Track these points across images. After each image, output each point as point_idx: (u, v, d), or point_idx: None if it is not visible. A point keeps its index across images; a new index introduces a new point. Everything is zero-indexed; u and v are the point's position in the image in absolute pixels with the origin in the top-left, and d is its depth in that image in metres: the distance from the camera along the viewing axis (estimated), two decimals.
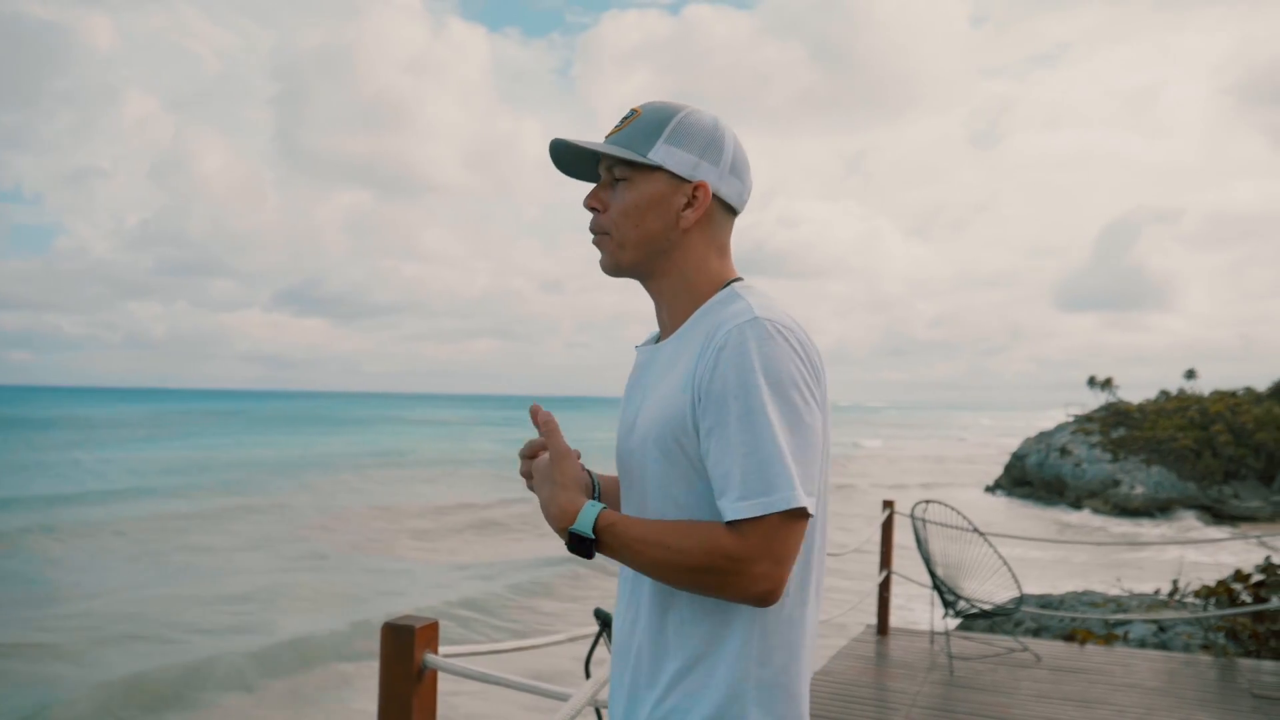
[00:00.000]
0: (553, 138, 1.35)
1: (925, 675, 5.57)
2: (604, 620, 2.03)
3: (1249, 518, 31.74)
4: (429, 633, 1.90)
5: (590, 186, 1.40)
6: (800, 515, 1.16)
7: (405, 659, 1.84)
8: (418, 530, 23.46)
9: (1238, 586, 6.64)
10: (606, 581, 17.27)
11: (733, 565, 1.14)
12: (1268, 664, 6.02)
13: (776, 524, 1.14)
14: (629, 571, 1.35)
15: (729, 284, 1.34)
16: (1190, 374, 51.67)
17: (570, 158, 1.39)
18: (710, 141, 1.32)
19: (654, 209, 1.31)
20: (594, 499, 1.34)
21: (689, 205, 1.31)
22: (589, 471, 1.44)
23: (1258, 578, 6.64)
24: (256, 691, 10.14)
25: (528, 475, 1.35)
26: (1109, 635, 7.03)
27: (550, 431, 1.28)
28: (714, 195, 1.32)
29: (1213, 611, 6.55)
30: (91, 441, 54.37)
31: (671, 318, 1.37)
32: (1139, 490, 33.54)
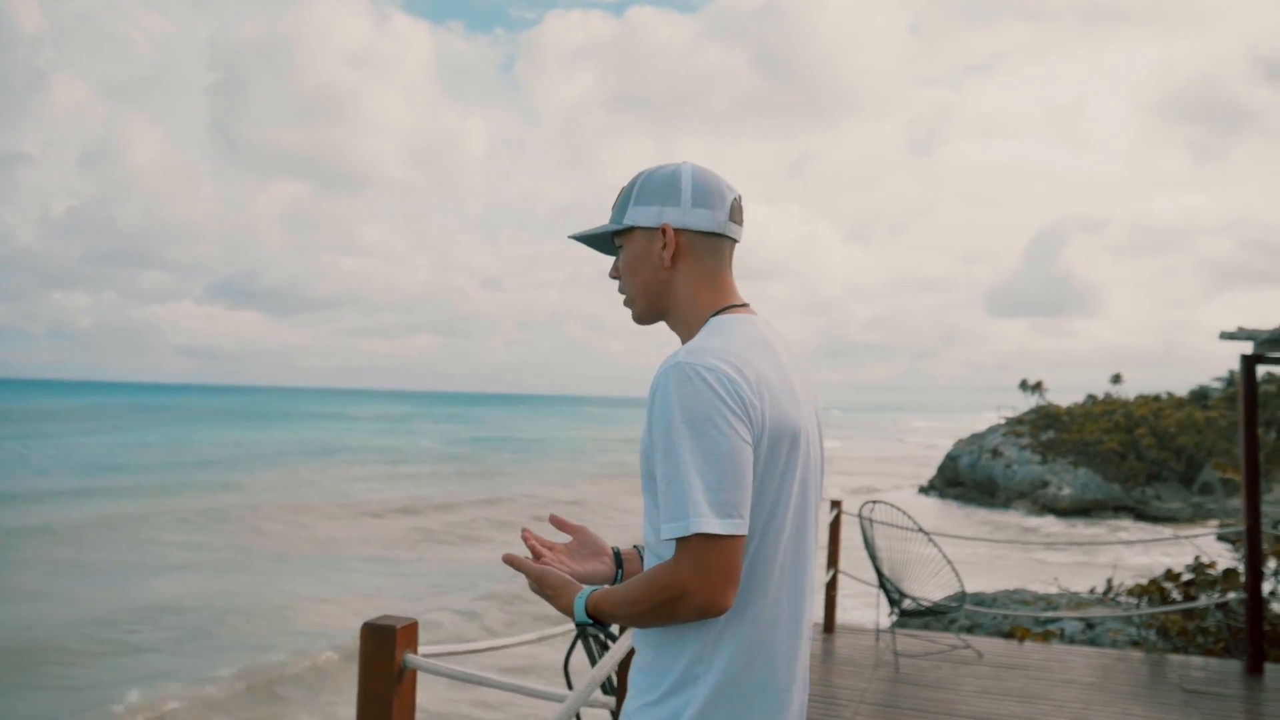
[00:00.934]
0: (568, 234, 1.60)
1: (872, 672, 5.67)
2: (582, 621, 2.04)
3: (1170, 518, 32.91)
4: (409, 633, 1.88)
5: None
6: (714, 538, 1.26)
7: (385, 659, 1.82)
8: (358, 528, 23.11)
9: (1168, 585, 6.89)
10: None
11: (669, 593, 1.29)
12: (1195, 659, 6.27)
13: (695, 546, 1.26)
14: None
15: (718, 314, 1.48)
16: (1116, 379, 53.40)
17: (599, 243, 1.61)
18: (667, 188, 1.49)
19: (641, 261, 1.51)
20: (618, 569, 1.60)
21: (664, 247, 1.48)
22: (615, 549, 1.64)
23: (1187, 577, 6.90)
24: (201, 704, 9.90)
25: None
26: (1046, 633, 7.24)
27: (517, 565, 1.51)
28: (683, 229, 1.48)
29: (1144, 610, 6.79)
30: (7, 436, 52.39)
31: (681, 343, 1.53)
32: (1066, 491, 34.54)
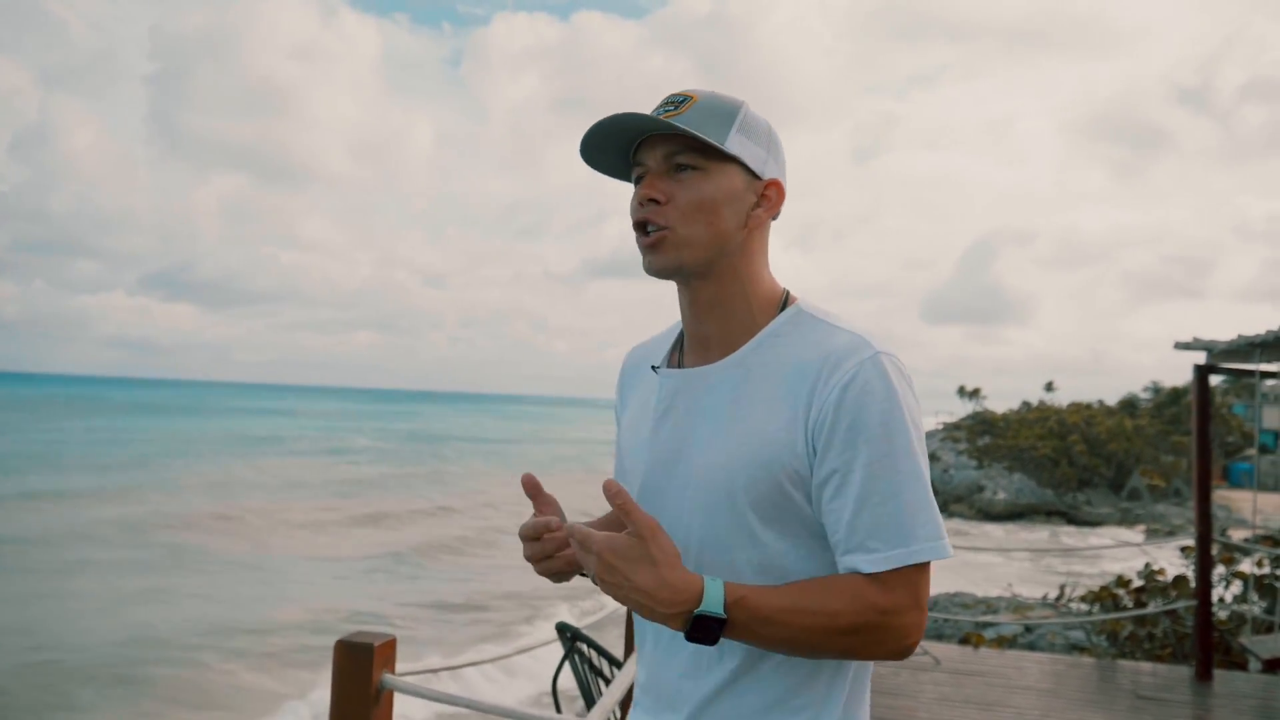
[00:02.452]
0: (616, 114, 1.17)
1: None
2: (573, 635, 1.90)
3: (1099, 523, 33.79)
4: (386, 651, 1.72)
5: (620, 185, 1.26)
6: (927, 567, 1.13)
7: (361, 679, 1.66)
8: (288, 525, 22.53)
9: (1120, 592, 6.98)
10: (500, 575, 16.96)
11: (883, 620, 1.09)
12: (1145, 665, 6.34)
13: (918, 573, 1.11)
14: None
15: (787, 300, 1.24)
16: (1049, 386, 54.73)
17: (605, 141, 1.21)
18: (773, 139, 1.23)
19: (729, 205, 1.18)
20: None
21: (758, 204, 1.21)
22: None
23: (1138, 584, 7.00)
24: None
25: (544, 557, 1.22)
26: (1000, 638, 7.29)
27: (627, 505, 1.06)
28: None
29: (1096, 616, 6.86)
30: None
31: (722, 328, 1.23)
32: (1001, 496, 35.27)
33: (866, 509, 1.09)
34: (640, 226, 1.20)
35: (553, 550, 1.22)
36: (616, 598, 1.06)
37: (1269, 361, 5.21)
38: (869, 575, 1.09)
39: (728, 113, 1.19)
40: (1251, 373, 5.62)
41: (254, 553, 18.60)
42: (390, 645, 1.74)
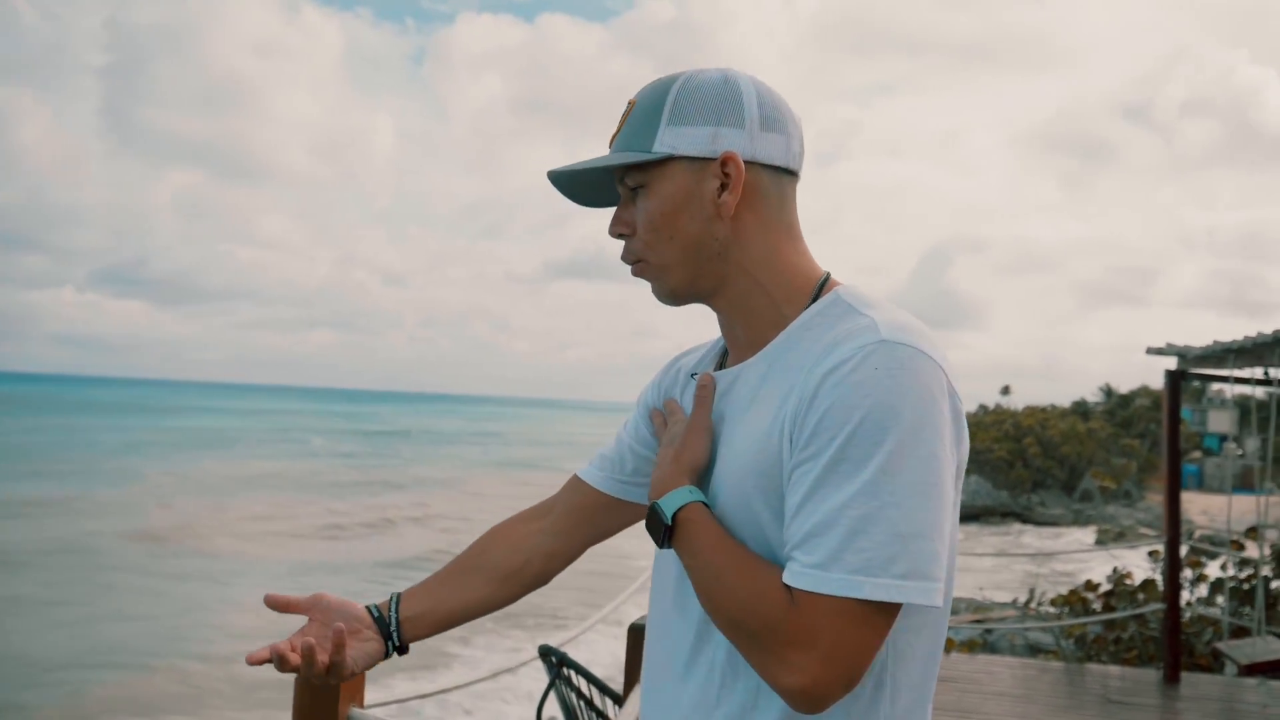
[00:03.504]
0: (548, 170, 1.09)
1: None
2: (559, 660, 1.76)
3: (1054, 523, 34.36)
4: (354, 683, 1.57)
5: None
6: (885, 610, 0.89)
7: (325, 715, 1.50)
8: (238, 533, 22.05)
9: (1089, 595, 6.99)
10: None
11: (768, 637, 0.90)
12: (1113, 669, 6.34)
13: (842, 609, 0.87)
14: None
15: (824, 284, 1.06)
16: (1005, 390, 55.56)
17: (582, 188, 1.13)
18: (723, 101, 1.03)
19: (684, 208, 1.03)
20: (392, 628, 1.19)
21: (723, 187, 1.02)
22: (372, 609, 1.21)
23: (1106, 587, 7.01)
24: None
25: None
26: (971, 643, 7.27)
27: (702, 400, 1.07)
28: (749, 163, 1.03)
29: (1053, 621, 6.86)
30: None
31: (749, 331, 1.08)
32: (960, 497, 35.83)
33: (805, 510, 0.90)
34: (625, 261, 1.11)
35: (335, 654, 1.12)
36: None
37: (1242, 367, 5.21)
38: (787, 586, 0.91)
39: (655, 106, 1.05)
40: (1222, 378, 5.63)
41: (203, 566, 18.15)
42: (358, 677, 1.58)
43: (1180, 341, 5.82)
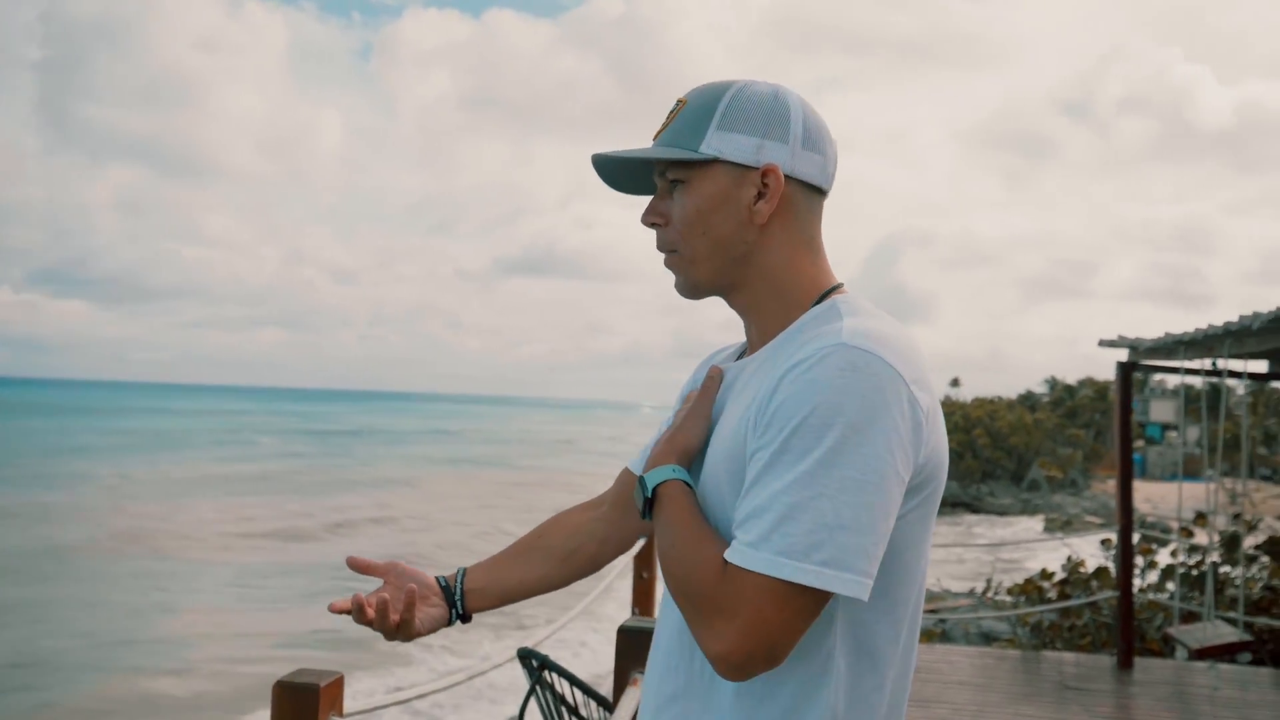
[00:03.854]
0: (592, 154, 1.15)
1: None
2: (540, 664, 1.72)
3: (1003, 513, 35.04)
4: (334, 691, 1.52)
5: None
6: (807, 594, 0.93)
7: None
8: (189, 532, 21.59)
9: (1045, 584, 7.12)
10: None
11: (701, 603, 0.97)
12: (1068, 655, 6.47)
13: (765, 586, 0.93)
14: None
15: (827, 294, 1.13)
16: (955, 382, 56.49)
17: (619, 173, 1.19)
18: (772, 115, 1.10)
19: (720, 209, 1.11)
20: (457, 597, 1.28)
21: (760, 196, 1.10)
22: (441, 580, 1.30)
23: (1061, 576, 7.15)
24: None
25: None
26: (929, 632, 7.37)
27: (707, 389, 1.16)
28: (788, 177, 1.11)
29: (1021, 609, 6.98)
30: None
31: (762, 331, 1.16)
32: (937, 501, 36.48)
33: (750, 494, 0.97)
34: (659, 250, 1.18)
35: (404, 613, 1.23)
36: None
37: (1193, 358, 5.34)
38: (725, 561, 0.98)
39: (706, 109, 1.11)
40: (1173, 369, 5.76)
41: (153, 571, 17.73)
42: (337, 685, 1.54)
43: (1131, 334, 5.94)
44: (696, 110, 1.12)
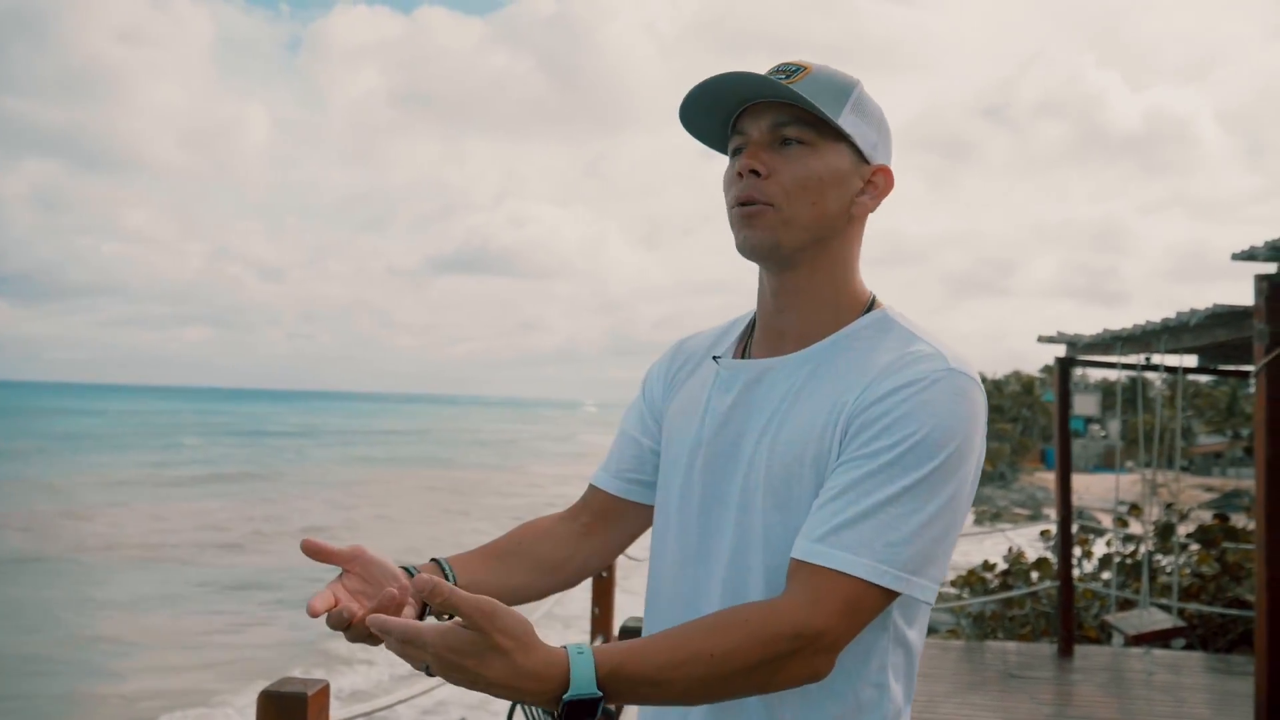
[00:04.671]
0: (731, 72, 1.08)
1: None
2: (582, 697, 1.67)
3: None
4: (320, 700, 1.47)
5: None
6: (888, 596, 0.99)
7: None
8: (109, 537, 20.89)
9: (987, 575, 7.29)
10: None
11: (794, 642, 0.94)
12: (1010, 644, 6.64)
13: (863, 590, 0.97)
14: (714, 576, 1.10)
15: (873, 304, 1.15)
16: None
17: (709, 103, 1.11)
18: (885, 124, 1.15)
19: (836, 186, 1.09)
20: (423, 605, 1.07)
21: (863, 190, 1.12)
22: (437, 561, 1.14)
23: (1003, 567, 7.32)
24: None
25: (404, 653, 0.89)
26: None
27: (451, 597, 0.85)
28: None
29: (965, 600, 7.13)
30: None
31: (801, 321, 1.13)
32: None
33: (846, 498, 0.98)
34: (740, 201, 1.10)
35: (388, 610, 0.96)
36: (474, 689, 0.89)
37: (1129, 354, 5.52)
38: (786, 595, 0.97)
39: (842, 89, 1.10)
40: (1110, 364, 5.94)
41: (69, 577, 17.10)
42: (324, 693, 1.49)
43: (1052, 330, 6.13)
44: (831, 83, 1.09)
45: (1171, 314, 5.01)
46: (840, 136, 1.09)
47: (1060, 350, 6.28)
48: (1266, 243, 3.60)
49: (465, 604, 0.85)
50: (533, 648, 0.87)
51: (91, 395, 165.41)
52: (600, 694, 0.87)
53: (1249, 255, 3.66)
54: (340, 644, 12.13)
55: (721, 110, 1.12)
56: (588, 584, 4.31)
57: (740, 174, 1.10)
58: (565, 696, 0.86)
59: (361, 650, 11.86)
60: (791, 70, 1.10)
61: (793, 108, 1.07)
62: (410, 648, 0.87)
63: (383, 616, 0.88)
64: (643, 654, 0.91)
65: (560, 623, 10.97)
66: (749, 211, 1.09)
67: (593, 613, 4.04)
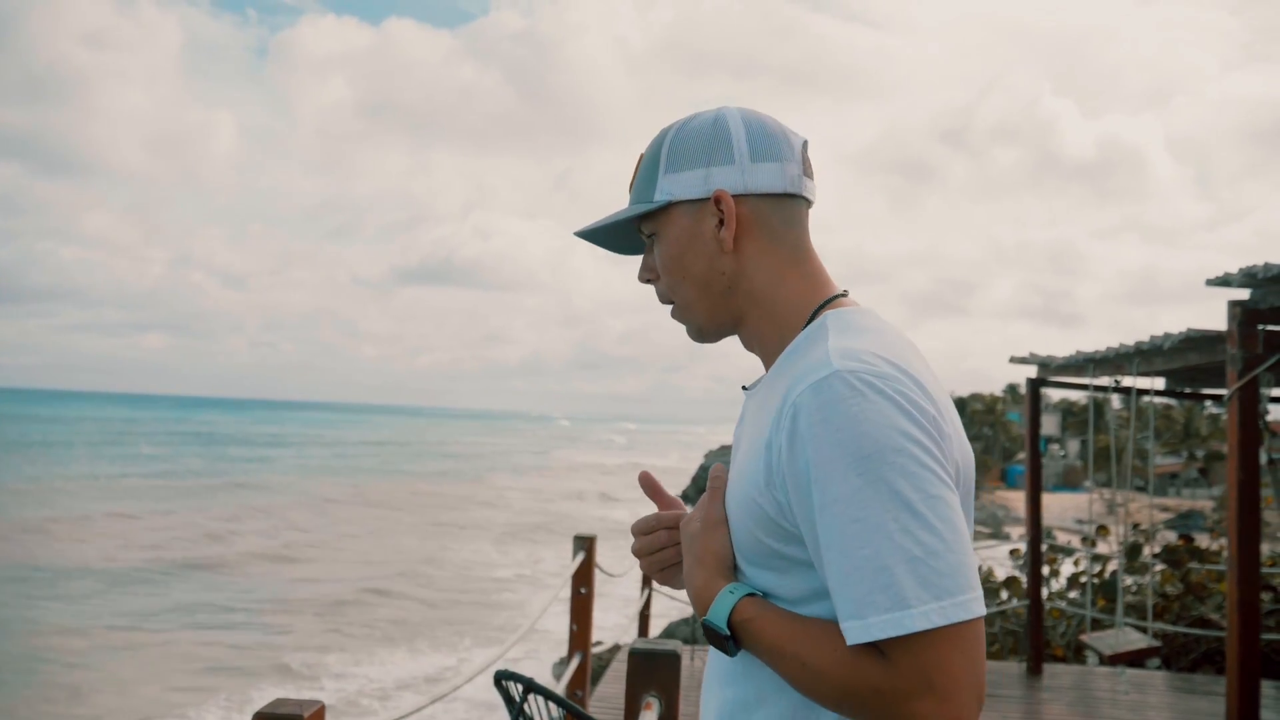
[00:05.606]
0: (575, 230, 1.18)
1: (686, 685, 5.54)
2: (526, 687, 1.64)
3: None
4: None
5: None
6: (963, 628, 0.87)
7: None
8: (61, 546, 20.40)
9: None
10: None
11: (881, 703, 0.89)
12: (993, 664, 6.66)
13: (948, 641, 0.87)
14: None
15: (824, 306, 1.08)
16: None
17: (613, 239, 1.20)
18: (712, 142, 1.09)
19: (689, 249, 1.10)
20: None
21: (721, 223, 1.08)
22: None
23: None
24: None
25: (649, 554, 1.15)
26: None
27: (713, 491, 1.06)
28: (743, 196, 1.07)
29: None
30: None
31: (765, 354, 1.13)
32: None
33: (834, 571, 0.91)
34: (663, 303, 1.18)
35: (666, 542, 1.15)
36: (670, 575, 1.14)
37: (1101, 376, 5.60)
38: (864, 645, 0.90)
39: (654, 160, 1.12)
40: (1081, 385, 6.02)
41: (29, 582, 16.67)
42: (319, 715, 1.45)
43: (1009, 350, 6.21)
44: (648, 161, 1.12)
45: (1128, 336, 5.12)
46: (666, 206, 1.10)
47: (1032, 371, 6.35)
48: (1240, 269, 3.67)
49: (710, 505, 1.05)
50: (711, 571, 1.02)
51: (47, 401, 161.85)
52: (727, 633, 0.99)
53: (1223, 281, 3.72)
54: (295, 662, 11.88)
55: (627, 235, 1.18)
56: (566, 600, 4.28)
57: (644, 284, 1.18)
58: (702, 619, 1.01)
59: (339, 670, 11.65)
60: (634, 170, 1.16)
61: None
62: (657, 521, 1.14)
63: (654, 480, 1.18)
64: (770, 624, 0.97)
65: (539, 637, 10.88)
66: (671, 314, 1.16)
67: (571, 629, 4.00)
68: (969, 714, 0.88)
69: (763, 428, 0.99)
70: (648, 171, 1.12)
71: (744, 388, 1.19)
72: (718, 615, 0.99)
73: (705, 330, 1.13)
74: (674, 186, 1.08)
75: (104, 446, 56.04)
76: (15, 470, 37.69)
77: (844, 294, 1.10)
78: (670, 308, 1.15)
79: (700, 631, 1.07)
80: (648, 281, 1.16)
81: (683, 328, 1.16)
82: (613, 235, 1.18)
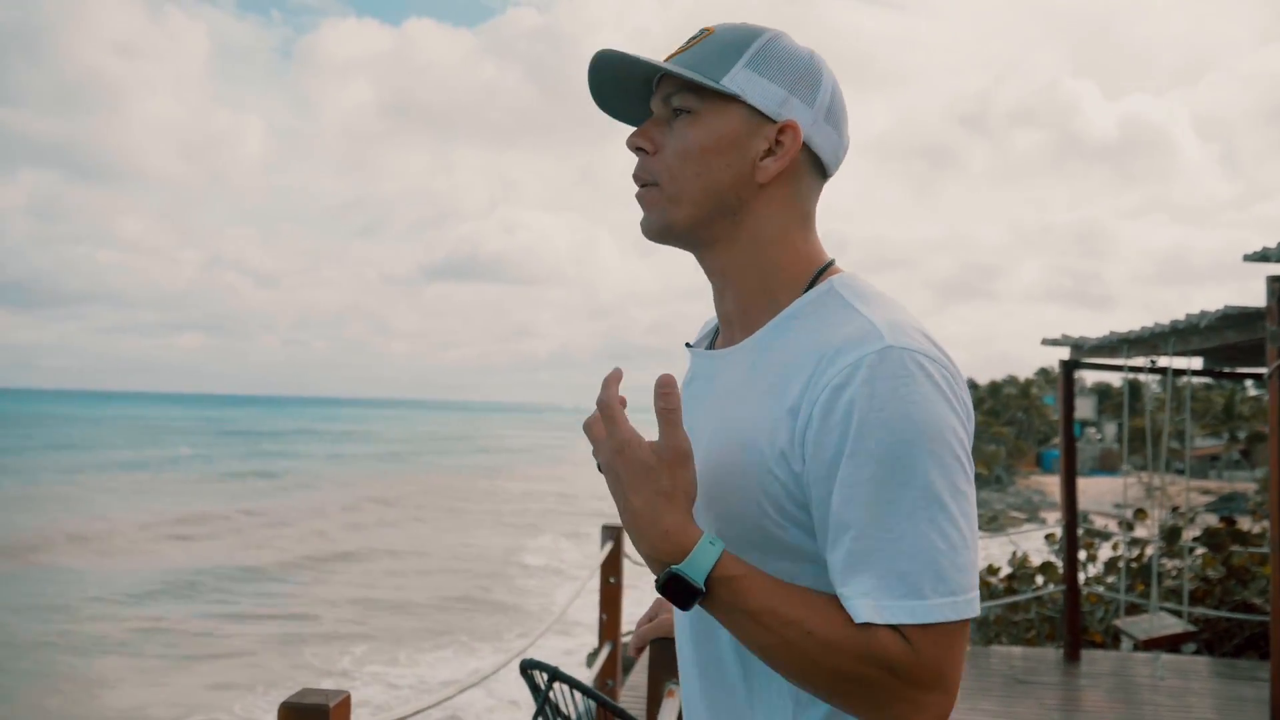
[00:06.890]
0: (599, 50, 1.02)
1: None
2: (551, 676, 1.64)
3: None
4: (342, 712, 1.43)
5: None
6: (965, 625, 0.88)
7: None
8: (108, 543, 20.78)
9: (992, 579, 7.25)
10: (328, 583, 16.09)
11: (893, 684, 0.86)
12: (1015, 649, 6.60)
13: (954, 636, 0.86)
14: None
15: (822, 272, 1.02)
16: None
17: (614, 87, 1.05)
18: (805, 73, 1.00)
19: (725, 153, 0.99)
20: None
21: (770, 152, 0.99)
22: None
23: (1008, 571, 7.29)
24: None
25: (599, 442, 0.92)
26: None
27: (673, 415, 0.89)
28: (804, 143, 1.00)
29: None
30: None
31: (739, 305, 1.03)
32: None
33: (854, 545, 0.87)
34: (634, 180, 1.04)
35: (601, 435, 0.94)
36: (616, 498, 0.91)
37: (1136, 356, 5.50)
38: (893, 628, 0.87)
39: (738, 44, 1.00)
40: (1116, 367, 5.92)
41: (70, 580, 17.02)
42: (345, 705, 1.45)
43: (1040, 333, 6.10)
44: (726, 41, 1.00)
45: (1161, 316, 5.00)
46: (728, 97, 0.98)
47: (1064, 353, 6.25)
48: (1279, 243, 3.58)
49: (675, 432, 0.89)
50: (681, 509, 0.89)
51: (87, 402, 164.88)
52: (702, 589, 0.87)
53: (1261, 256, 3.64)
54: (344, 661, 12.02)
55: (634, 92, 1.05)
56: (595, 590, 4.28)
57: (632, 151, 1.04)
58: (673, 567, 0.87)
59: (374, 663, 11.78)
60: (695, 36, 1.03)
61: (680, 78, 0.99)
62: (609, 425, 0.90)
63: (612, 394, 0.91)
64: (761, 586, 0.88)
65: (569, 625, 10.91)
66: (639, 193, 1.03)
67: (600, 619, 4.01)
68: (950, 709, 0.88)
69: (776, 394, 0.94)
70: (723, 51, 0.99)
71: (688, 345, 1.14)
72: (697, 566, 0.87)
73: (672, 230, 1.02)
74: (750, 86, 0.98)
75: (143, 445, 56.96)
76: (59, 469, 38.40)
77: (833, 261, 1.05)
78: (645, 188, 1.03)
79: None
80: (639, 150, 1.03)
81: (650, 220, 1.03)
82: (619, 84, 1.05)
